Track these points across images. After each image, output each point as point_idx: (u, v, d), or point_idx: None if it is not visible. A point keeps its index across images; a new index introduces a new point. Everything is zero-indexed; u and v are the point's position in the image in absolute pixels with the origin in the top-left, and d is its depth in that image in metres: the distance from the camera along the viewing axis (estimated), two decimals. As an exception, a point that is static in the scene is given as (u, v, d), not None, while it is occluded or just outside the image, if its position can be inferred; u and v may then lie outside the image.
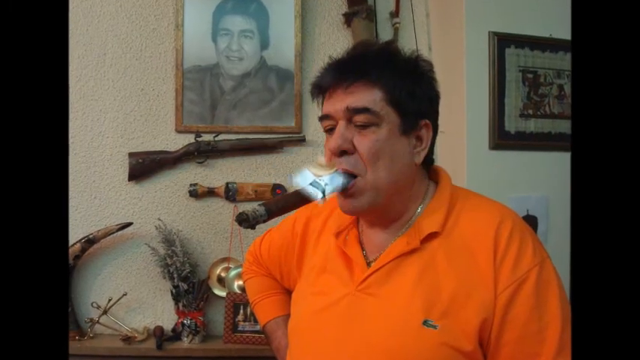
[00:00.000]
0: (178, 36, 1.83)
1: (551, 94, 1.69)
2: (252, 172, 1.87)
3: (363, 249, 0.87)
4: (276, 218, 0.76)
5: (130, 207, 1.84)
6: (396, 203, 0.83)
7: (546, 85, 1.68)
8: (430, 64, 0.86)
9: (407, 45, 1.65)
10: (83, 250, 1.76)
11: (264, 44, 1.86)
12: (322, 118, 0.84)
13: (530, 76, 1.66)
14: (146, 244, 1.80)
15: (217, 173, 1.86)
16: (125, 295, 1.78)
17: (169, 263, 1.74)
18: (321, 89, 0.85)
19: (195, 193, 1.82)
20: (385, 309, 0.79)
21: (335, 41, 1.89)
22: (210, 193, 1.83)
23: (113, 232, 1.77)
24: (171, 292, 1.76)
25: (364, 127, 0.79)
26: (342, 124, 0.80)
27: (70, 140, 1.82)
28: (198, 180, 1.85)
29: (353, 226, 0.90)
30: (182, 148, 1.82)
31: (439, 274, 0.78)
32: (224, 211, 1.86)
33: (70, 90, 1.82)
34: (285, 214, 0.83)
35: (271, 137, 1.84)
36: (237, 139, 1.83)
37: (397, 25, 1.85)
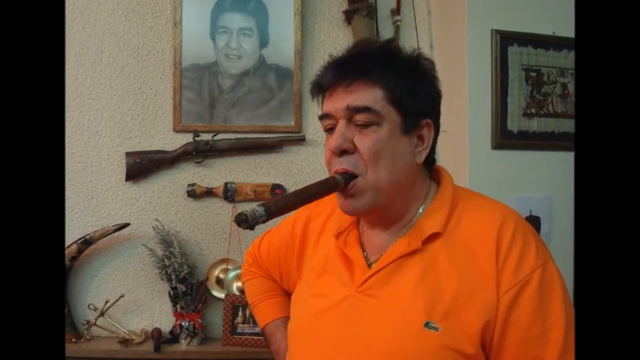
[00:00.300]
0: (176, 34, 1.82)
1: (555, 92, 1.68)
2: (251, 171, 1.85)
3: (363, 250, 0.87)
4: (276, 219, 0.74)
5: (127, 207, 1.83)
6: (397, 203, 0.83)
7: (549, 83, 1.67)
8: (432, 63, 0.85)
9: (408, 43, 1.64)
10: (80, 251, 1.75)
11: (264, 42, 1.85)
12: (322, 117, 0.84)
13: (533, 74, 1.65)
14: (143, 245, 1.79)
15: (216, 173, 1.85)
16: (122, 296, 1.77)
17: (167, 264, 1.72)
18: (321, 88, 0.85)
19: (194, 194, 1.80)
20: (386, 311, 0.78)
21: (335, 39, 1.87)
22: (209, 193, 1.82)
23: (110, 233, 1.76)
24: (169, 293, 1.75)
25: (365, 126, 0.79)
26: (342, 124, 0.80)
27: (67, 140, 1.81)
28: (197, 180, 1.84)
29: (353, 226, 0.89)
30: (180, 147, 1.81)
31: (441, 275, 0.77)
32: (223, 212, 1.84)
33: (67, 89, 1.81)
34: (285, 215, 0.81)
35: (270, 137, 1.83)
36: (235, 139, 1.82)
37: (398, 22, 1.84)
